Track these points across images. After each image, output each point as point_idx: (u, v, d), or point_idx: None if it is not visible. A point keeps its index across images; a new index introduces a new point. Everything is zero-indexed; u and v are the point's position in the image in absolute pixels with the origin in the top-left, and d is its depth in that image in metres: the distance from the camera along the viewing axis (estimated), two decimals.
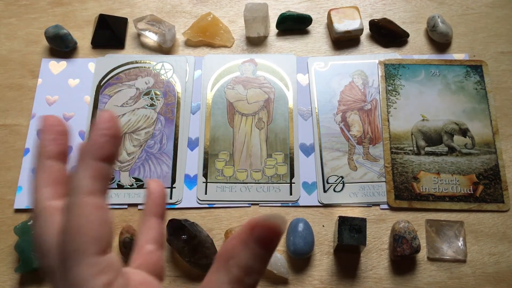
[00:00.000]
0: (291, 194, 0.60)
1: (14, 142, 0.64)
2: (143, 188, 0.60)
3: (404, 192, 0.59)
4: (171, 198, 0.60)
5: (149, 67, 0.68)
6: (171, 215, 0.58)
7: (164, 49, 0.70)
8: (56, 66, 0.69)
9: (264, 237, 0.21)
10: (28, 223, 0.56)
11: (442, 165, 0.61)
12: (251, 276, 0.21)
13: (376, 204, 0.59)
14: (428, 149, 0.62)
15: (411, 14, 0.72)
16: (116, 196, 0.60)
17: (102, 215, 0.23)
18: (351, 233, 0.52)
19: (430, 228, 0.57)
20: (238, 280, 0.21)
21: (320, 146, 0.63)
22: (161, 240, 0.29)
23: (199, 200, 0.60)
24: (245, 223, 0.22)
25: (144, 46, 0.71)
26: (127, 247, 0.55)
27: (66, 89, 0.67)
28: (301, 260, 0.56)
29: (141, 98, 0.66)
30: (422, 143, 0.62)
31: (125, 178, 0.61)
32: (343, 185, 0.60)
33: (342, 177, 0.61)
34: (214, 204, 0.59)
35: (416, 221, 0.58)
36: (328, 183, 0.60)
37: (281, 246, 0.57)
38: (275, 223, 0.21)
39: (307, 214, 0.59)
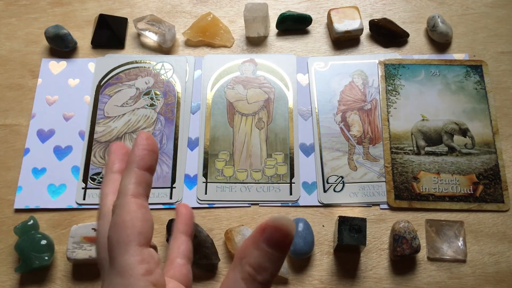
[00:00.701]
0: (291, 194, 0.60)
1: (14, 142, 0.64)
2: None
3: (404, 192, 0.59)
4: (171, 198, 0.60)
5: (149, 67, 0.68)
6: (171, 215, 0.58)
7: (164, 49, 0.70)
8: (56, 66, 0.69)
9: (273, 237, 0.24)
10: (28, 223, 0.56)
11: (442, 165, 0.61)
12: (262, 274, 0.24)
13: (376, 204, 0.59)
14: (428, 149, 0.62)
15: (411, 14, 0.72)
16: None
17: (144, 213, 0.27)
18: (351, 233, 0.52)
19: (430, 228, 0.57)
20: (250, 276, 0.24)
21: (320, 146, 0.63)
22: (190, 255, 0.33)
23: (199, 200, 0.60)
24: (258, 225, 0.24)
25: (144, 46, 0.71)
26: None
27: (66, 89, 0.67)
28: (301, 260, 0.56)
29: (141, 98, 0.66)
30: (422, 143, 0.62)
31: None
32: (343, 185, 0.60)
33: (342, 177, 0.61)
34: (214, 204, 0.60)
35: (416, 221, 0.58)
36: (328, 183, 0.60)
37: None
38: (284, 224, 0.23)
39: (307, 214, 0.59)
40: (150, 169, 0.28)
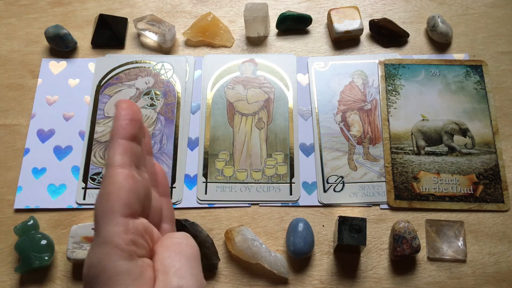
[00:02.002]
0: (291, 194, 0.60)
1: (14, 142, 0.64)
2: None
3: (404, 192, 0.59)
4: (171, 198, 0.60)
5: (149, 67, 0.68)
6: None
7: (164, 49, 0.70)
8: (56, 66, 0.69)
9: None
10: (28, 223, 0.56)
11: (442, 165, 0.61)
12: None
13: (376, 204, 0.59)
14: (428, 149, 0.62)
15: (411, 14, 0.72)
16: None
17: (131, 184, 0.26)
18: (351, 233, 0.52)
19: (430, 228, 0.57)
20: None
21: (320, 146, 0.63)
22: (173, 217, 0.32)
23: (199, 200, 0.60)
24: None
25: (144, 46, 0.71)
26: None
27: (66, 89, 0.67)
28: (301, 260, 0.56)
29: (141, 98, 0.66)
30: (422, 143, 0.62)
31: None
32: (343, 185, 0.60)
33: (342, 177, 0.61)
34: (214, 204, 0.59)
35: (416, 221, 0.58)
36: (328, 183, 0.60)
37: (281, 246, 0.57)
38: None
39: (307, 214, 0.59)
40: (135, 138, 0.27)
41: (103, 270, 0.24)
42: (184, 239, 0.27)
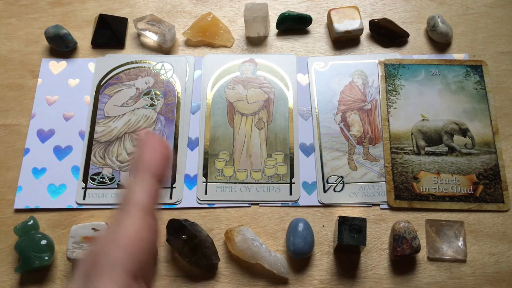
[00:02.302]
0: (291, 194, 0.60)
1: (14, 142, 0.64)
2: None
3: (404, 192, 0.59)
4: (171, 198, 0.60)
5: (149, 67, 0.68)
6: (171, 215, 0.58)
7: (164, 49, 0.70)
8: (56, 66, 0.69)
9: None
10: (28, 223, 0.56)
11: (442, 165, 0.61)
12: None
13: (376, 204, 0.59)
14: (428, 149, 0.62)
15: (411, 14, 0.72)
16: (116, 196, 0.60)
17: (147, 237, 0.22)
18: (351, 233, 0.52)
19: (430, 228, 0.57)
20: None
21: (320, 146, 0.63)
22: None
23: (199, 200, 0.60)
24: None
25: (144, 46, 0.71)
26: None
27: (66, 89, 0.67)
28: (301, 260, 0.56)
29: (141, 98, 0.66)
30: (422, 143, 0.62)
31: (125, 178, 0.61)
32: (343, 185, 0.60)
33: (342, 177, 0.61)
34: (214, 204, 0.59)
35: (416, 221, 0.58)
36: (328, 183, 0.60)
37: (281, 246, 0.57)
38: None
39: (307, 214, 0.59)
40: (164, 181, 0.25)
41: None
42: None
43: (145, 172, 0.23)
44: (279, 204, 0.59)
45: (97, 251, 0.21)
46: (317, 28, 0.72)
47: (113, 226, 0.22)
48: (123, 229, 0.21)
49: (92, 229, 0.55)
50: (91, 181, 0.61)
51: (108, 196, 0.60)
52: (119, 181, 0.61)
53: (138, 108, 0.65)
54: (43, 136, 0.64)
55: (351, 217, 0.53)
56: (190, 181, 0.61)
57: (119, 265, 0.21)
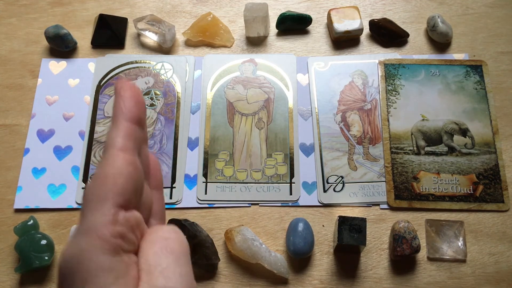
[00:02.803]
0: (291, 194, 0.60)
1: (14, 142, 0.64)
2: None
3: (404, 192, 0.59)
4: (171, 198, 0.60)
5: (149, 67, 0.68)
6: (171, 215, 0.58)
7: (164, 49, 0.70)
8: (56, 66, 0.69)
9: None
10: (28, 223, 0.56)
11: (442, 165, 0.61)
12: None
13: (376, 204, 0.59)
14: (428, 149, 0.62)
15: (411, 14, 0.72)
16: None
17: (131, 171, 0.23)
18: (351, 233, 0.52)
19: (430, 228, 0.57)
20: None
21: (320, 146, 0.63)
22: (163, 214, 0.29)
23: (199, 200, 0.60)
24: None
25: (144, 46, 0.71)
26: None
27: (66, 89, 0.67)
28: (301, 260, 0.56)
29: None
30: (422, 143, 0.62)
31: None
32: (343, 185, 0.60)
33: (342, 177, 0.61)
34: (214, 204, 0.59)
35: (416, 221, 0.58)
36: (328, 183, 0.60)
37: (281, 246, 0.57)
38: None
39: (307, 214, 0.59)
40: (140, 122, 0.25)
41: (82, 263, 0.21)
42: (172, 234, 0.24)
43: (117, 117, 0.25)
44: (279, 204, 0.59)
45: (86, 194, 0.23)
46: (317, 28, 0.72)
47: (97, 169, 0.23)
48: (106, 169, 0.23)
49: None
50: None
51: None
52: None
53: None
54: (43, 136, 0.64)
55: (351, 217, 0.53)
56: (190, 181, 0.61)
57: (106, 199, 0.22)
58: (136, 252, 0.23)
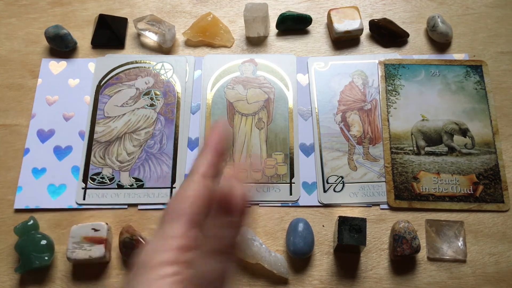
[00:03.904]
0: (291, 194, 0.60)
1: (14, 142, 0.64)
2: (143, 188, 0.60)
3: (404, 192, 0.59)
4: (171, 198, 0.60)
5: (149, 67, 0.68)
6: None
7: (164, 49, 0.70)
8: (56, 66, 0.69)
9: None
10: (28, 223, 0.56)
11: (442, 165, 0.61)
12: None
13: (376, 204, 0.59)
14: (428, 149, 0.62)
15: (411, 14, 0.72)
16: (116, 196, 0.60)
17: (206, 196, 0.28)
18: (351, 233, 0.52)
19: (430, 228, 0.57)
20: None
21: (320, 146, 0.63)
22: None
23: None
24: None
25: (144, 46, 0.71)
26: (127, 247, 0.55)
27: (66, 89, 0.67)
28: (301, 260, 0.56)
29: (141, 98, 0.66)
30: (422, 143, 0.62)
31: (125, 178, 0.61)
32: (343, 185, 0.60)
33: (342, 177, 0.61)
34: None
35: (416, 221, 0.58)
36: (328, 183, 0.60)
37: (281, 246, 0.57)
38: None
39: (307, 214, 0.59)
40: (223, 155, 0.30)
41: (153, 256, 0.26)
42: None
43: (206, 148, 0.30)
44: (279, 204, 0.59)
45: (168, 207, 0.28)
46: (317, 28, 0.72)
47: (180, 189, 0.29)
48: (186, 189, 0.28)
49: (92, 229, 0.55)
50: (91, 181, 0.61)
51: (108, 196, 0.60)
52: (119, 181, 0.61)
53: (138, 108, 0.65)
54: (43, 136, 0.64)
55: (351, 217, 0.53)
56: None
57: (184, 214, 0.27)
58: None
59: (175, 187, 0.60)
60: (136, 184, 0.61)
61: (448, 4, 0.73)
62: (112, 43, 0.70)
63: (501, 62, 0.67)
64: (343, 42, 0.70)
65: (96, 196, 0.60)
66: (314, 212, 0.59)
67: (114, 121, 0.65)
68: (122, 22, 0.71)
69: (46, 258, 0.54)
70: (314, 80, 0.67)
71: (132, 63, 0.69)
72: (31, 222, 0.56)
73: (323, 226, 0.58)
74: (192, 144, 0.63)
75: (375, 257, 0.56)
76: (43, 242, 0.55)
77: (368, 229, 0.56)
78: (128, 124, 0.64)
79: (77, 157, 0.62)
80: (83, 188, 0.60)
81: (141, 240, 0.55)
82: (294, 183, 0.61)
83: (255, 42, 0.71)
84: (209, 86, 0.67)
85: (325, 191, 0.60)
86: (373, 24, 0.69)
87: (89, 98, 0.66)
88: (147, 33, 0.69)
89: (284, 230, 0.58)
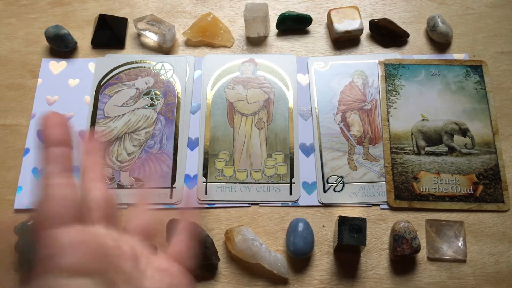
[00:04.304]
0: (291, 194, 0.60)
1: (14, 142, 0.64)
2: (143, 188, 0.60)
3: (404, 192, 0.59)
4: (171, 198, 0.60)
5: (149, 67, 0.68)
6: (171, 215, 0.58)
7: (164, 49, 0.70)
8: (56, 66, 0.69)
9: None
10: (28, 223, 0.56)
11: (442, 165, 0.61)
12: None
13: (376, 204, 0.59)
14: (428, 149, 0.62)
15: (411, 14, 0.72)
16: (116, 196, 0.60)
17: (62, 192, 0.28)
18: (351, 233, 0.52)
19: (430, 228, 0.57)
20: None
21: (320, 146, 0.63)
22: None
23: (199, 200, 0.60)
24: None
25: (144, 46, 0.71)
26: None
27: (66, 89, 0.67)
28: (301, 260, 0.56)
29: (141, 98, 0.66)
30: (422, 143, 0.62)
31: (125, 178, 0.61)
32: (343, 185, 0.60)
33: (342, 177, 0.61)
34: (214, 204, 0.59)
35: (416, 221, 0.58)
36: (328, 183, 0.60)
37: (281, 246, 0.57)
38: None
39: (307, 214, 0.59)
40: (60, 142, 0.28)
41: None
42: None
43: (42, 147, 0.29)
44: (279, 204, 0.59)
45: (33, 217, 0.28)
46: (317, 28, 0.72)
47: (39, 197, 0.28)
48: (39, 197, 0.28)
49: None
50: None
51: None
52: (119, 181, 0.61)
53: (138, 108, 0.65)
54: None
55: (351, 217, 0.53)
56: (190, 181, 0.61)
57: (47, 224, 0.27)
58: None
59: (175, 187, 0.60)
60: (136, 184, 0.61)
61: (448, 4, 0.73)
62: (112, 43, 0.70)
63: (501, 62, 0.67)
64: (343, 42, 0.70)
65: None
66: (314, 212, 0.59)
67: (114, 121, 0.65)
68: (122, 22, 0.71)
69: None
70: (314, 80, 0.67)
71: (132, 63, 0.69)
72: (31, 222, 0.56)
73: (323, 226, 0.58)
74: (192, 144, 0.63)
75: (375, 257, 0.56)
76: None
77: (368, 229, 0.56)
78: (128, 124, 0.64)
79: (77, 157, 0.62)
80: None
81: None
82: (294, 183, 0.61)
83: (255, 42, 0.71)
84: (209, 86, 0.67)
85: (325, 191, 0.60)
86: (373, 24, 0.69)
87: (89, 98, 0.66)
88: (147, 33, 0.69)
89: (284, 230, 0.58)
